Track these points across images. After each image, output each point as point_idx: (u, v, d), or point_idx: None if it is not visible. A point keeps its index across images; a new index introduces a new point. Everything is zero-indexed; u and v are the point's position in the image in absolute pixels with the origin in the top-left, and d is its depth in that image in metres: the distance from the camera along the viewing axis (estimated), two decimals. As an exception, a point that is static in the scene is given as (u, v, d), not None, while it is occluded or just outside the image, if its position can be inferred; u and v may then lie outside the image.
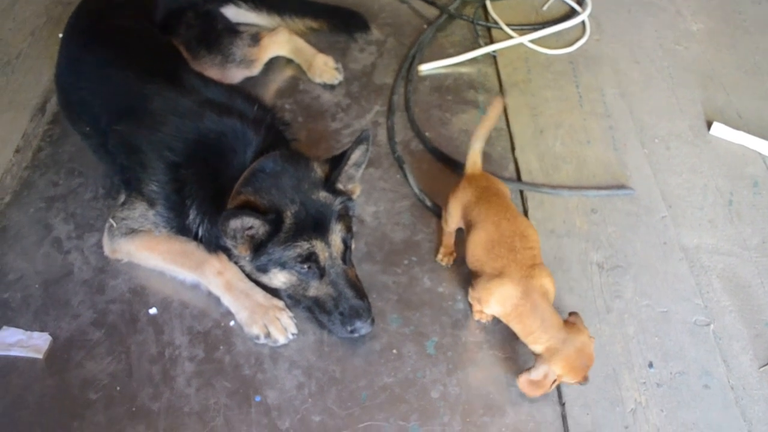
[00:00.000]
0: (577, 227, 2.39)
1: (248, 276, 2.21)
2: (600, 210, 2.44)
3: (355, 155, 2.14)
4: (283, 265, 2.08)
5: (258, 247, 2.07)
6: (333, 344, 2.12)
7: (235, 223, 1.99)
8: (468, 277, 2.22)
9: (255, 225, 2.01)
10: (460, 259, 2.30)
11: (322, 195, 2.11)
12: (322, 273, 2.08)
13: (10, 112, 2.94)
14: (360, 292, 2.10)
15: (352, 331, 2.06)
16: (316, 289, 2.10)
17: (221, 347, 2.12)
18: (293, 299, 2.18)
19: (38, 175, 2.70)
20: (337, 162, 2.15)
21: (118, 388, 2.03)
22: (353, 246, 2.24)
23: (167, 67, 2.46)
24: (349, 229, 2.15)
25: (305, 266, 2.07)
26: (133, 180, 2.32)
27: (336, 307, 2.07)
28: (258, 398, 2.00)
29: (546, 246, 2.31)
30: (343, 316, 2.05)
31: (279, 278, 2.12)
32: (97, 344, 2.14)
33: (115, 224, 2.33)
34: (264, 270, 2.12)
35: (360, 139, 2.10)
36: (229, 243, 2.07)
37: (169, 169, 2.23)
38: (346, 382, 2.03)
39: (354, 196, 2.25)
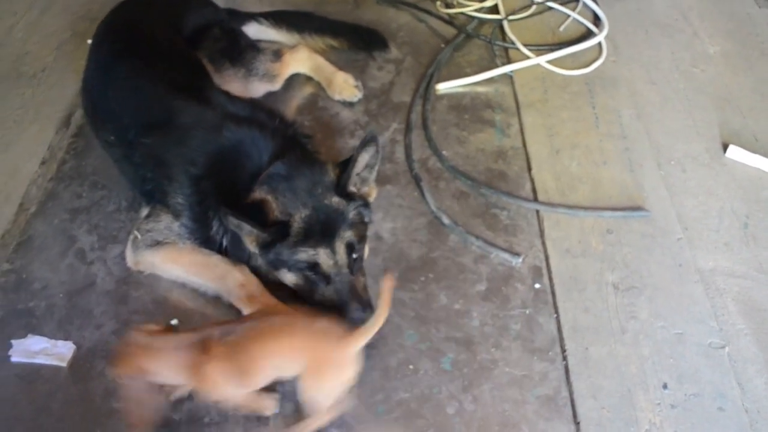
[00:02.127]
0: (592, 248, 2.41)
1: (263, 273, 2.23)
2: (616, 231, 2.46)
3: (364, 158, 2.16)
4: (290, 267, 2.12)
5: (265, 245, 2.11)
6: (350, 359, 2.15)
7: (234, 222, 2.06)
8: (487, 295, 2.27)
9: (253, 233, 2.07)
10: (474, 278, 2.34)
11: (335, 200, 2.14)
12: (327, 281, 2.10)
13: (36, 124, 3.00)
14: (364, 304, 2.10)
15: None
16: (322, 295, 2.12)
17: (240, 359, 2.15)
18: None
19: (63, 187, 2.74)
20: (347, 165, 2.17)
21: (138, 399, 2.06)
22: (366, 254, 2.25)
23: (196, 83, 2.52)
24: (360, 237, 2.17)
25: (311, 272, 2.10)
26: (159, 192, 2.36)
27: (339, 315, 2.06)
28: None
29: (561, 266, 2.35)
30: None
31: (288, 278, 2.16)
32: (119, 354, 2.18)
33: (139, 236, 2.36)
34: (275, 267, 2.15)
35: (365, 141, 2.12)
36: (237, 232, 2.12)
37: (192, 182, 2.28)
38: (363, 397, 2.04)
39: (370, 199, 2.27)
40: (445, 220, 2.50)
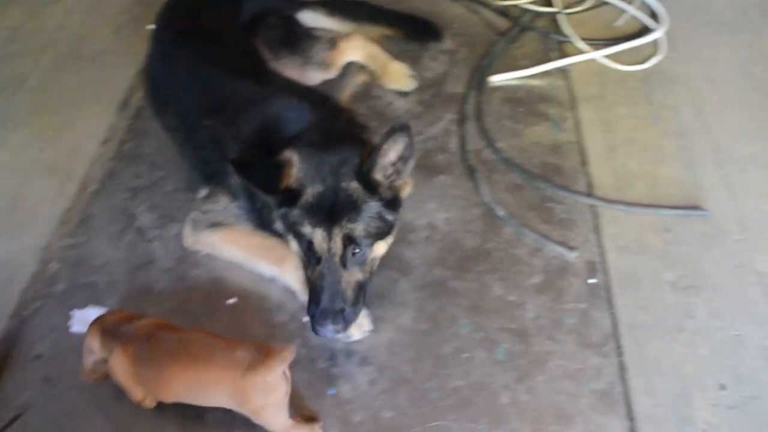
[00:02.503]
0: (650, 245, 2.39)
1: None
2: (673, 229, 2.43)
3: (394, 147, 2.04)
4: (294, 234, 2.12)
5: (278, 203, 2.12)
6: (404, 345, 2.16)
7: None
8: (541, 287, 2.28)
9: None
10: (529, 270, 2.34)
11: (353, 185, 2.08)
12: (318, 261, 2.08)
13: (96, 105, 3.08)
14: (344, 299, 2.05)
15: (312, 328, 2.06)
16: (311, 272, 2.11)
17: (297, 340, 2.18)
18: None
19: (123, 167, 2.81)
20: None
21: (196, 375, 2.10)
22: (380, 253, 2.19)
23: (256, 69, 2.57)
24: (370, 233, 2.08)
25: (306, 246, 2.09)
26: (218, 174, 2.40)
27: (316, 298, 2.06)
28: (332, 391, 2.05)
29: (618, 262, 2.34)
30: (315, 310, 2.05)
31: (293, 244, 2.17)
32: (178, 331, 2.22)
33: (198, 216, 2.42)
34: (286, 230, 2.16)
35: (392, 131, 1.99)
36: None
37: None
38: (417, 382, 2.07)
39: (403, 194, 2.20)
40: (500, 212, 2.49)
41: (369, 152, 2.10)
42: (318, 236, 2.05)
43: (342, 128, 2.32)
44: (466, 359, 2.11)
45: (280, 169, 2.09)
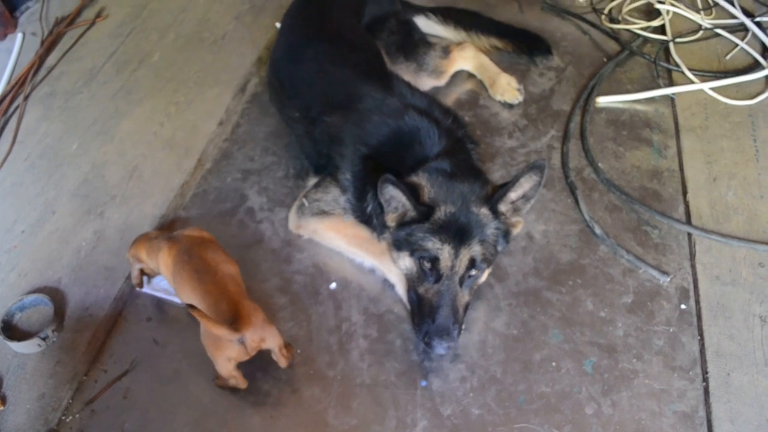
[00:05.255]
0: (743, 278, 2.42)
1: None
2: (767, 265, 2.46)
3: (526, 184, 2.16)
4: (412, 252, 2.20)
5: (403, 224, 2.21)
6: (495, 347, 2.27)
7: (391, 192, 2.13)
8: (632, 307, 2.33)
9: (406, 206, 2.16)
10: (621, 289, 2.41)
11: (483, 211, 2.18)
12: (437, 279, 2.17)
13: (216, 87, 3.27)
14: (456, 318, 2.15)
15: (426, 344, 2.16)
16: (425, 289, 2.20)
17: (393, 331, 2.32)
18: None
19: (236, 149, 3.00)
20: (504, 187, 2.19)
21: (299, 351, 2.26)
22: (483, 278, 2.31)
23: (380, 72, 2.70)
24: (485, 257, 2.18)
25: (428, 264, 2.17)
26: (331, 167, 2.55)
27: (430, 314, 2.16)
28: (423, 383, 2.17)
29: (710, 291, 2.38)
30: (430, 326, 2.14)
31: (405, 262, 2.25)
32: (282, 308, 2.39)
33: (307, 203, 2.57)
34: (398, 247, 2.24)
35: (533, 166, 2.10)
36: (384, 204, 2.21)
37: (361, 161, 2.44)
38: (506, 384, 2.17)
39: (515, 230, 2.29)
40: (597, 231, 2.57)
41: (493, 184, 2.25)
42: (445, 253, 2.15)
43: (465, 159, 2.43)
44: (554, 368, 2.21)
45: (414, 188, 2.20)
